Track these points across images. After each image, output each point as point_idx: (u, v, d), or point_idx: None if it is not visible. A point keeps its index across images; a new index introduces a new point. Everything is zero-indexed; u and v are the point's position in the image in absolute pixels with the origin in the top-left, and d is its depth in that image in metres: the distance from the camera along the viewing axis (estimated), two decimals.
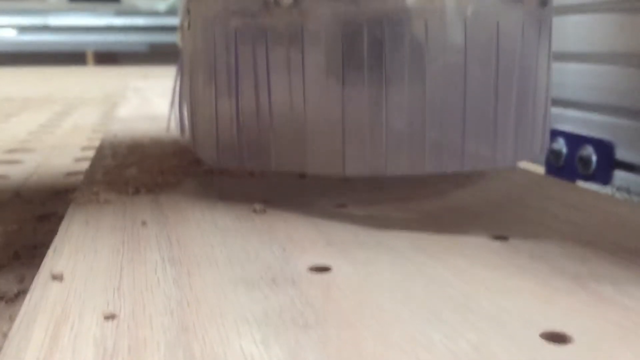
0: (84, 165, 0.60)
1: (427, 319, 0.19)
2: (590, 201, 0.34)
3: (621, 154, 0.49)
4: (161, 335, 0.18)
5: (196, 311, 0.20)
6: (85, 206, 0.32)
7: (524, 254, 0.25)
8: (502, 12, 0.30)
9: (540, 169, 0.56)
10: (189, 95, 0.37)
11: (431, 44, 0.29)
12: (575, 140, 0.54)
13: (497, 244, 0.26)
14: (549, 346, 0.18)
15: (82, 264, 0.24)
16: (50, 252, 0.26)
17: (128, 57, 2.96)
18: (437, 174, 0.31)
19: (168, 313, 0.20)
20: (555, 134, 0.56)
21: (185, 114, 0.39)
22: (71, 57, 2.88)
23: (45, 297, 0.21)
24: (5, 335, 0.27)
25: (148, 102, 0.93)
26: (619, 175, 0.49)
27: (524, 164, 0.45)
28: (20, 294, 0.33)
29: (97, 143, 0.58)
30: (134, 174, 0.39)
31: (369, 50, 0.29)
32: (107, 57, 3.00)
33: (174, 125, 0.42)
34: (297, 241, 0.27)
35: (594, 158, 0.51)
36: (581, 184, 0.52)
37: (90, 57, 3.01)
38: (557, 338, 0.18)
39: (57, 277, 0.23)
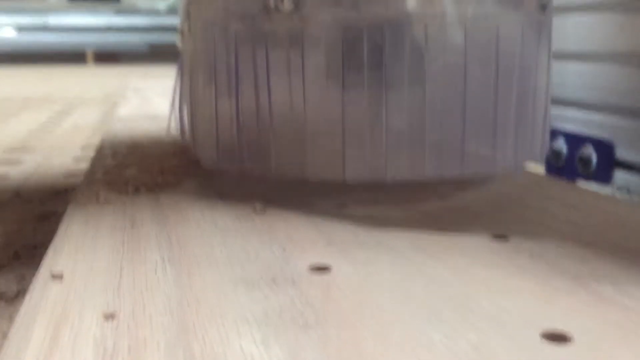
0: (84, 165, 0.60)
1: (427, 319, 0.19)
2: (590, 201, 0.34)
3: (621, 153, 0.49)
4: (161, 335, 0.18)
5: (196, 311, 0.20)
6: (85, 206, 0.32)
7: (524, 254, 0.25)
8: (502, 16, 0.30)
9: (540, 169, 0.56)
10: (189, 98, 0.37)
11: (431, 49, 0.29)
12: (575, 140, 0.54)
13: (497, 244, 0.26)
14: (549, 346, 0.18)
15: (82, 264, 0.24)
16: (50, 252, 0.26)
17: (128, 56, 2.96)
18: (437, 178, 0.31)
19: (168, 313, 0.20)
20: (555, 133, 0.56)
21: (186, 116, 0.39)
22: (71, 57, 2.88)
23: (45, 297, 0.21)
24: (5, 335, 0.27)
25: (148, 102, 0.93)
26: (619, 175, 0.49)
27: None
28: (20, 294, 0.33)
29: (97, 143, 0.58)
30: (134, 174, 0.39)
31: (369, 55, 0.29)
32: (107, 57, 3.00)
33: (175, 127, 0.42)
34: (297, 241, 0.27)
35: (594, 158, 0.51)
36: (581, 183, 0.52)
37: (90, 57, 3.01)
38: (557, 338, 0.18)
39: (57, 277, 0.23)
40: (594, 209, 0.32)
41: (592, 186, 0.51)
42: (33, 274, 0.24)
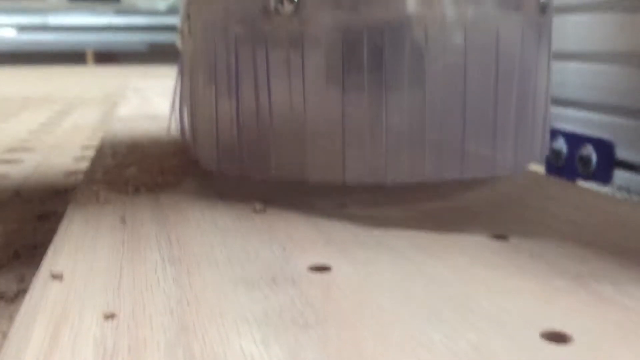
0: (84, 165, 0.60)
1: (427, 319, 0.19)
2: (590, 201, 0.34)
3: (621, 153, 0.49)
4: (161, 335, 0.18)
5: (196, 311, 0.20)
6: (85, 206, 0.32)
7: (524, 254, 0.25)
8: (502, 19, 0.30)
9: (540, 169, 0.56)
10: (189, 100, 0.37)
11: (431, 50, 0.29)
12: (575, 140, 0.54)
13: (497, 244, 0.26)
14: (549, 346, 0.18)
15: (81, 264, 0.24)
16: (50, 252, 0.26)
17: (128, 56, 2.96)
18: (437, 180, 0.31)
19: (168, 313, 0.20)
20: (555, 133, 0.56)
21: (186, 118, 0.39)
22: (71, 57, 2.88)
23: (45, 296, 0.21)
24: (5, 335, 0.27)
25: (148, 102, 0.93)
26: (619, 175, 0.49)
27: None
28: (20, 294, 0.33)
29: (97, 142, 0.58)
30: (134, 174, 0.39)
31: (369, 57, 0.29)
32: (107, 57, 3.00)
33: (175, 128, 0.42)
34: (297, 241, 0.27)
35: (594, 157, 0.51)
36: (581, 183, 0.52)
37: (90, 57, 3.01)
38: (557, 338, 0.18)
39: (57, 277, 0.23)
40: (594, 209, 0.32)
41: (592, 186, 0.51)
42: (33, 274, 0.24)
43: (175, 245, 0.26)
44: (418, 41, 0.29)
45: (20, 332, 0.19)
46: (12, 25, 2.83)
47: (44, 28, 2.85)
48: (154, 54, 2.80)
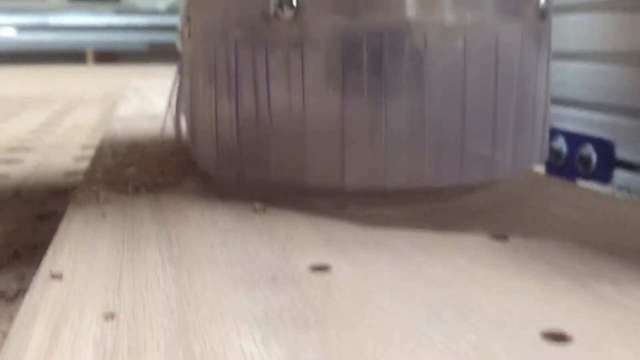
0: (84, 165, 0.60)
1: (427, 319, 0.19)
2: (590, 201, 0.34)
3: (621, 153, 0.49)
4: (161, 335, 0.18)
5: (196, 311, 0.20)
6: (85, 206, 0.32)
7: (524, 254, 0.25)
8: (501, 24, 0.30)
9: (540, 169, 0.56)
10: (188, 102, 0.37)
11: (430, 55, 0.29)
12: (575, 140, 0.54)
13: (497, 244, 0.26)
14: (549, 346, 0.18)
15: (81, 264, 0.24)
16: (50, 252, 0.26)
17: (128, 56, 2.96)
18: (437, 185, 0.31)
19: (168, 312, 0.20)
20: (555, 133, 0.56)
21: (182, 120, 0.39)
22: (71, 57, 2.88)
23: (44, 296, 0.21)
24: (5, 335, 0.27)
25: (148, 102, 0.93)
26: (619, 175, 0.49)
27: None
28: (20, 293, 0.33)
29: (97, 142, 0.58)
30: (134, 174, 0.39)
31: (369, 62, 0.29)
32: (107, 57, 3.00)
33: (170, 129, 0.42)
34: (297, 241, 0.27)
35: (594, 157, 0.51)
36: (581, 183, 0.52)
37: (90, 57, 3.01)
38: (557, 338, 0.18)
39: (57, 277, 0.23)
40: (594, 209, 0.32)
41: (592, 186, 0.51)
42: (33, 274, 0.24)
43: (175, 245, 0.26)
44: (417, 46, 0.29)
45: (20, 332, 0.19)
46: (12, 25, 2.83)
47: (44, 28, 2.85)
48: (154, 54, 2.80)
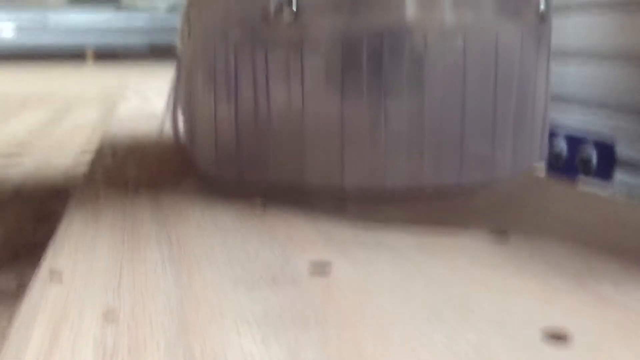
0: (84, 165, 0.60)
1: (427, 319, 0.19)
2: (590, 201, 0.34)
3: (622, 152, 0.49)
4: (161, 335, 0.18)
5: (196, 311, 0.20)
6: (85, 205, 0.32)
7: (524, 254, 0.25)
8: (501, 26, 0.30)
9: (540, 169, 0.56)
10: (188, 103, 0.37)
11: (430, 56, 0.29)
12: (575, 140, 0.54)
13: (497, 244, 0.26)
14: (549, 346, 0.18)
15: (81, 263, 0.24)
16: (50, 251, 0.26)
17: (128, 56, 2.96)
18: (436, 186, 0.31)
19: (168, 312, 0.20)
20: (555, 133, 0.56)
21: (180, 119, 0.39)
22: (71, 56, 2.88)
23: (44, 296, 0.21)
24: (5, 335, 0.27)
25: (148, 102, 0.93)
26: (620, 175, 0.49)
27: None
28: (20, 293, 0.33)
29: (96, 142, 0.58)
30: (134, 174, 0.39)
31: (369, 62, 0.29)
32: (107, 56, 3.00)
33: (168, 130, 0.42)
34: (297, 241, 0.27)
35: (594, 157, 0.51)
36: (582, 183, 0.52)
37: (89, 56, 3.01)
38: (557, 337, 0.18)
39: (57, 277, 0.23)
40: (594, 209, 0.32)
41: (592, 186, 0.51)
42: (33, 273, 0.24)
43: (175, 245, 0.26)
44: (417, 47, 0.29)
45: (20, 331, 0.19)
46: (11, 25, 2.83)
47: (44, 28, 2.85)
48: (154, 54, 2.80)
